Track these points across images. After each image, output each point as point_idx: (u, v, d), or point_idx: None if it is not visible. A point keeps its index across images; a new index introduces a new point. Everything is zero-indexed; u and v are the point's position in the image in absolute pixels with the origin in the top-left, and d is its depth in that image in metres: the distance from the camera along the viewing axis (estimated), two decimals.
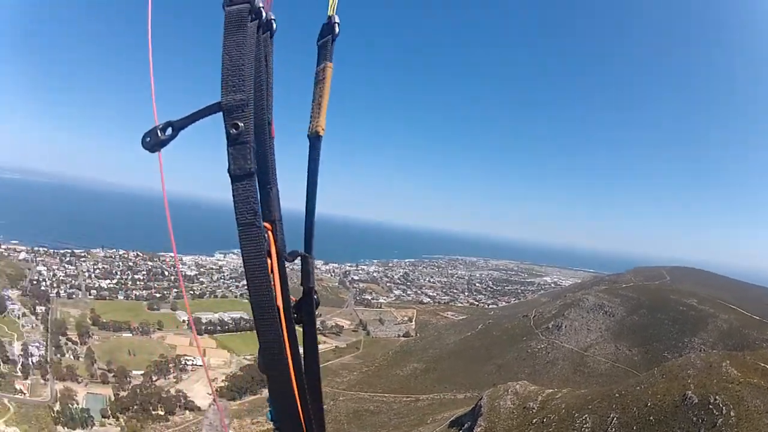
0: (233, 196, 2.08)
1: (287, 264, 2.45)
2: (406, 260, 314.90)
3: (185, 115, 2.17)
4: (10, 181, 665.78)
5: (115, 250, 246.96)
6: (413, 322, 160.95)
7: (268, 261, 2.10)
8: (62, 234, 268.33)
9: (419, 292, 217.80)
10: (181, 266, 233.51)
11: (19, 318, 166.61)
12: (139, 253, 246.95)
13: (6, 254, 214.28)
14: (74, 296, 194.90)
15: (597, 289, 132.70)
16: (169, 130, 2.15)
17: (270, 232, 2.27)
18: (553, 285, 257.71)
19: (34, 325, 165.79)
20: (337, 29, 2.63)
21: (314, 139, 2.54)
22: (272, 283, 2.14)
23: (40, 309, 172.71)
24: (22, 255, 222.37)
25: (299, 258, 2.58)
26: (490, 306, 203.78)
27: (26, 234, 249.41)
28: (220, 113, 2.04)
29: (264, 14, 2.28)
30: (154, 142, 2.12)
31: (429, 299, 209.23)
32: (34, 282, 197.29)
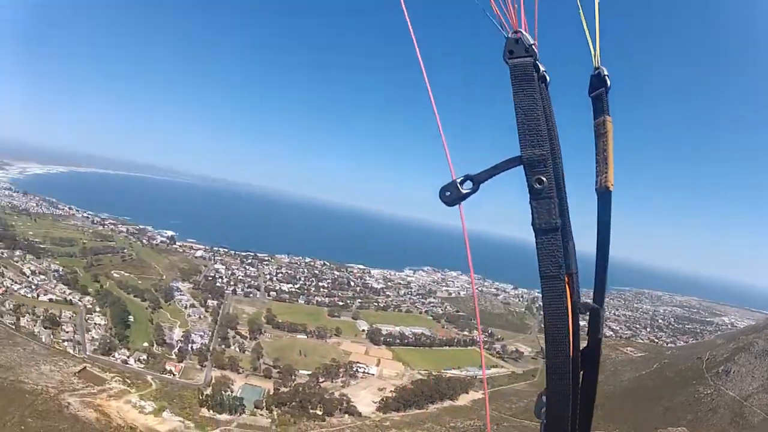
0: (537, 248, 3.21)
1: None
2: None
3: (485, 169, 3.38)
4: (190, 186, 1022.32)
5: (301, 257, 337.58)
6: None
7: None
8: (242, 239, 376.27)
9: (604, 324, 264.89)
10: (368, 279, 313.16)
11: (185, 308, 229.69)
12: (326, 262, 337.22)
13: (182, 251, 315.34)
14: (251, 295, 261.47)
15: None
16: (469, 184, 3.33)
17: (568, 285, 3.34)
18: (730, 326, 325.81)
19: (201, 316, 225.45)
20: (608, 81, 3.86)
21: (603, 194, 3.70)
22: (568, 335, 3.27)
23: (211, 303, 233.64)
24: (199, 253, 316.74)
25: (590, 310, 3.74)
26: (669, 345, 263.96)
27: (205, 235, 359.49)
28: (520, 167, 3.21)
29: (540, 66, 3.51)
30: (454, 196, 3.28)
31: (611, 332, 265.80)
32: (209, 278, 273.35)
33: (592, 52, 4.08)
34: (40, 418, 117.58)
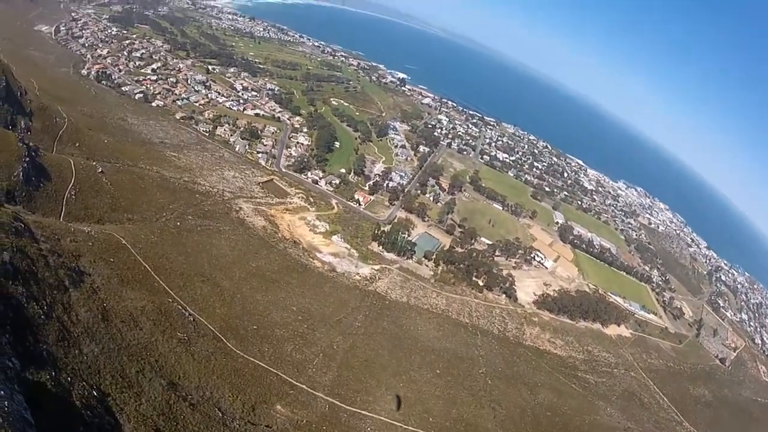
0: None
1: None
2: None
3: None
4: (436, 37, 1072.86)
5: (526, 133, 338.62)
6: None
7: None
8: (476, 98, 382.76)
9: None
10: (582, 176, 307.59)
11: (395, 147, 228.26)
12: (548, 145, 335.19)
13: (410, 95, 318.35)
14: (464, 153, 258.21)
15: None
16: None
17: None
18: None
19: (408, 158, 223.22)
20: None
21: None
22: None
23: (423, 149, 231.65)
24: (427, 101, 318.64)
25: None
26: None
27: (438, 85, 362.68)
28: None
29: None
30: None
31: None
32: (429, 126, 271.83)
33: None
34: (201, 217, 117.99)
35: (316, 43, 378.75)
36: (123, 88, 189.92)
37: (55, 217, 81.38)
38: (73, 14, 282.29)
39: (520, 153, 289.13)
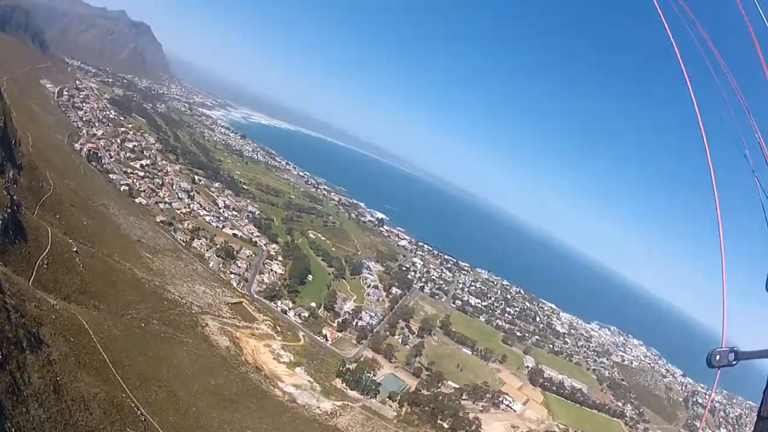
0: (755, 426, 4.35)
1: None
2: None
3: (752, 351, 4.24)
4: (416, 178, 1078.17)
5: (499, 278, 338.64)
6: None
7: None
8: (450, 241, 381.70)
9: None
10: (554, 320, 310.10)
11: (368, 287, 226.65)
12: (521, 290, 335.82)
13: (387, 236, 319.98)
14: (436, 297, 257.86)
15: None
16: (732, 356, 4.25)
17: None
18: None
19: (380, 299, 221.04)
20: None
21: None
22: None
23: (395, 291, 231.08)
24: (403, 243, 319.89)
25: None
26: None
27: (414, 227, 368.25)
28: None
29: None
30: (720, 362, 4.29)
31: None
32: (403, 268, 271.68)
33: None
34: (166, 324, 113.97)
35: (302, 173, 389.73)
36: (110, 176, 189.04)
37: (24, 279, 75.99)
38: (77, 82, 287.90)
39: (493, 298, 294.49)
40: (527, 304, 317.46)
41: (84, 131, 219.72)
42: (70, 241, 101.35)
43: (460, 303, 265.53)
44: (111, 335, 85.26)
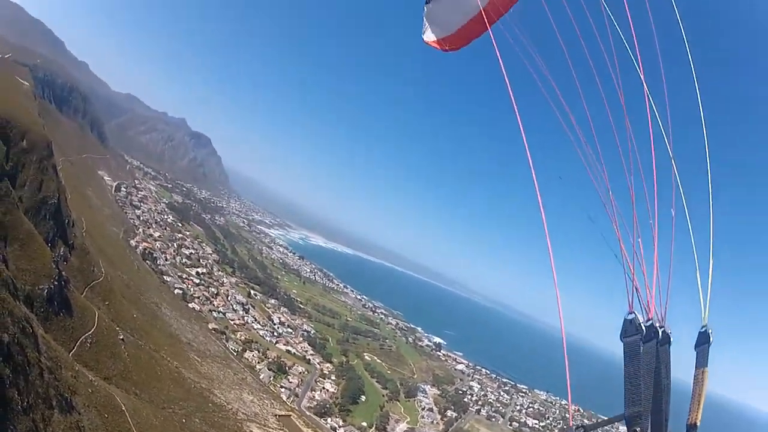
0: None
1: None
2: None
3: (595, 422, 5.66)
4: (479, 305, 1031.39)
5: (558, 398, 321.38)
6: None
7: None
8: (507, 364, 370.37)
9: None
10: None
11: (422, 409, 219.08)
12: (580, 409, 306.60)
13: (444, 360, 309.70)
14: (493, 419, 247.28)
15: None
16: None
17: None
18: None
19: (434, 422, 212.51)
20: (712, 338, 5.45)
21: (691, 428, 5.20)
22: None
23: (451, 414, 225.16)
24: (460, 367, 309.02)
25: None
26: None
27: (472, 352, 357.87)
28: (623, 421, 5.13)
29: (660, 332, 5.71)
30: None
31: None
32: (460, 392, 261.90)
33: (703, 313, 6.26)
34: (209, 425, 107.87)
35: (359, 296, 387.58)
36: (165, 277, 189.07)
37: (65, 350, 73.64)
38: (136, 181, 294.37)
39: (551, 419, 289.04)
40: (585, 421, 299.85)
41: (140, 230, 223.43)
42: (117, 328, 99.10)
43: (517, 425, 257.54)
44: (149, 422, 79.44)
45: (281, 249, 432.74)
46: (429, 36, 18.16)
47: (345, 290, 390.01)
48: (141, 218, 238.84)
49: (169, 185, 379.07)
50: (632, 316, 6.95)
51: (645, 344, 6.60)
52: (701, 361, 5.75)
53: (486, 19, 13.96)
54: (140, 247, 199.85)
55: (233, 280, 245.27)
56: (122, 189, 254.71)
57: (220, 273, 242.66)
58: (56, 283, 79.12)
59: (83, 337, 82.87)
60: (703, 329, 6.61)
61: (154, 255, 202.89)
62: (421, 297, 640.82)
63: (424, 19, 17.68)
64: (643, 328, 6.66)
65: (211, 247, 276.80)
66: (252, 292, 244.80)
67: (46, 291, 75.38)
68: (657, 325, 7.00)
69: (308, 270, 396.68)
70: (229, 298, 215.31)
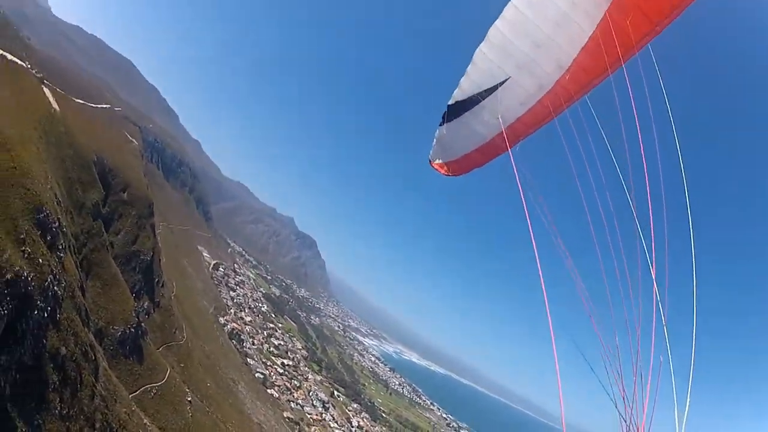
0: None
1: None
2: None
3: None
4: None
5: None
6: None
7: None
8: None
9: None
10: None
11: None
12: None
13: None
14: None
15: None
16: None
17: None
18: None
19: None
20: None
21: None
22: None
23: None
24: None
25: None
26: None
27: None
28: None
29: None
30: None
31: None
32: None
33: None
34: None
35: (445, 415, 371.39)
36: (249, 360, 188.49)
37: (126, 389, 74.33)
38: (236, 266, 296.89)
39: None
40: None
41: (232, 311, 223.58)
42: (187, 390, 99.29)
43: None
44: None
45: (373, 358, 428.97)
46: (435, 157, 20.90)
47: (431, 407, 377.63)
48: (234, 300, 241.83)
49: (269, 277, 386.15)
50: None
51: None
52: None
53: (506, 142, 18.33)
54: (229, 326, 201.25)
55: (318, 377, 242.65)
56: (220, 269, 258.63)
57: (306, 369, 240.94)
58: (132, 330, 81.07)
59: (149, 385, 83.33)
60: None
61: (242, 337, 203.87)
62: (510, 425, 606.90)
63: (434, 141, 20.30)
64: None
65: (301, 343, 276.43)
66: (335, 392, 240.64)
67: (119, 333, 77.38)
68: None
69: (397, 382, 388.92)
70: (310, 393, 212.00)
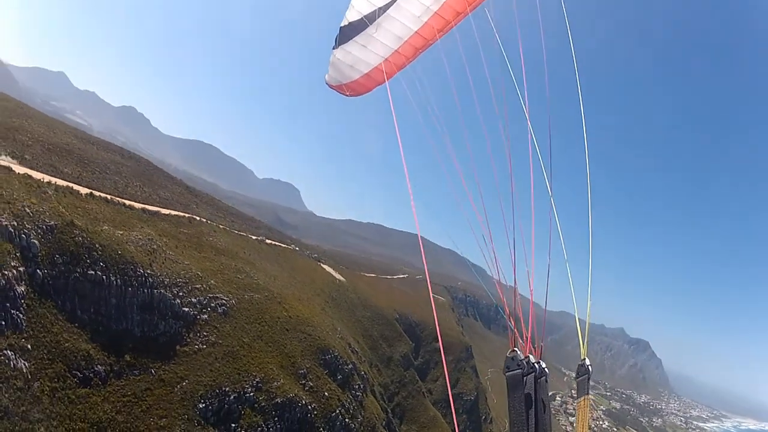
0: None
1: None
2: None
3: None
4: None
5: None
6: None
7: None
8: None
9: None
10: None
11: None
12: None
13: None
14: None
15: None
16: None
17: None
18: None
19: None
20: (591, 369, 9.37)
21: None
22: None
23: None
24: None
25: None
26: None
27: None
28: None
29: (538, 368, 9.02)
30: None
31: None
32: None
33: (581, 348, 8.40)
34: None
35: None
36: None
37: None
38: (573, 391, 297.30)
39: None
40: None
41: None
42: None
43: None
44: None
45: None
46: (331, 79, 20.89)
47: None
48: (574, 425, 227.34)
49: (608, 393, 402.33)
50: (513, 353, 8.78)
51: (525, 377, 8.25)
52: (582, 390, 7.08)
53: (385, 73, 18.34)
54: None
55: None
56: (557, 398, 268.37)
57: None
58: None
59: None
60: (582, 362, 8.38)
61: None
62: None
63: (330, 65, 20.16)
64: (524, 363, 8.39)
65: None
66: None
67: None
68: (534, 360, 8.57)
69: None
70: None
